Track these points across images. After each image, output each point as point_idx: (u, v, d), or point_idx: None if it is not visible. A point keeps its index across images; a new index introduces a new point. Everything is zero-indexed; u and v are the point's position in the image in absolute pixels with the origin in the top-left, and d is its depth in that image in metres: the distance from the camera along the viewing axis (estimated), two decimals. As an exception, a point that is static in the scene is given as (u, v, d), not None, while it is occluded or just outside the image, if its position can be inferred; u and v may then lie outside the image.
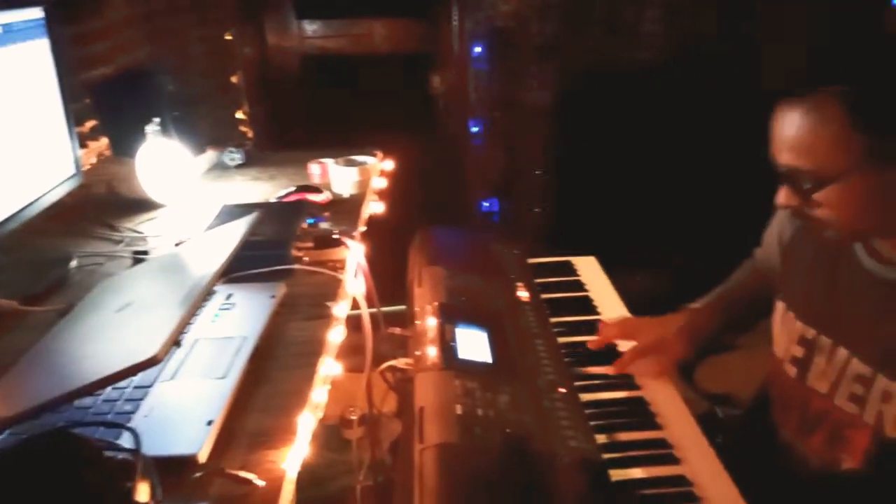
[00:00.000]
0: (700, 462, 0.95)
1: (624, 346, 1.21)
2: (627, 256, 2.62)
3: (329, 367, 0.88)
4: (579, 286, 1.46)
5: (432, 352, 1.11)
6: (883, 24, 0.85)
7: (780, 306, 1.11)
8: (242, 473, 0.71)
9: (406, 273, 1.47)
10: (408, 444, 0.95)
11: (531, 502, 0.84)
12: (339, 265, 1.08)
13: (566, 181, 2.61)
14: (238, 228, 1.08)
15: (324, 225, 1.19)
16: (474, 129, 2.67)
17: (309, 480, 1.31)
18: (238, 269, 1.08)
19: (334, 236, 1.13)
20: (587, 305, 1.38)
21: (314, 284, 1.04)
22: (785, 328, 1.08)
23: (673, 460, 0.96)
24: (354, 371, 1.14)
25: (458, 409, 0.97)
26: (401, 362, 1.13)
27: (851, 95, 0.82)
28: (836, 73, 0.85)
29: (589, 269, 1.53)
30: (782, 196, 0.92)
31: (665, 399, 1.08)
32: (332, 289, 1.03)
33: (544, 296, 1.41)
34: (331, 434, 1.45)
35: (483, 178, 2.74)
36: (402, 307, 1.38)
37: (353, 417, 1.46)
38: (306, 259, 1.09)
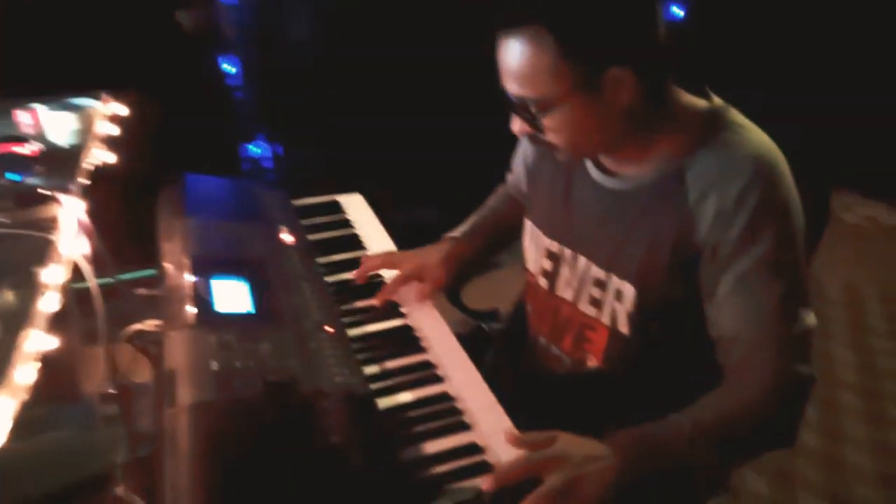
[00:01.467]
0: (461, 377, 0.99)
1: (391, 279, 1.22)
2: (394, 193, 2.67)
3: (39, 342, 0.76)
4: (346, 224, 1.44)
5: (184, 309, 1.03)
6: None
7: (528, 224, 1.18)
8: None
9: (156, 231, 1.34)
10: (159, 409, 0.87)
11: (294, 446, 0.81)
12: (51, 225, 0.93)
13: (331, 120, 2.55)
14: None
15: (33, 180, 1.03)
16: (232, 69, 2.49)
17: (69, 463, 1.18)
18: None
19: (41, 192, 0.98)
20: (355, 243, 1.37)
21: (20, 250, 0.89)
22: (534, 244, 1.16)
23: (437, 379, 0.99)
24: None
25: (214, 366, 0.91)
26: (149, 325, 1.03)
27: (561, 27, 0.85)
28: (545, 5, 0.87)
29: (356, 207, 1.51)
30: (516, 124, 0.96)
31: (429, 323, 1.11)
32: (44, 252, 0.88)
33: (311, 237, 1.37)
34: (88, 412, 1.31)
35: (246, 121, 2.57)
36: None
37: (111, 391, 1.33)
38: (6, 221, 0.93)
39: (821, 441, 1.99)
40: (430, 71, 2.52)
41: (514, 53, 0.89)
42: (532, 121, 0.93)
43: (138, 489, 1.07)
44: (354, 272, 1.22)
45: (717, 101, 0.98)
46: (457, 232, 1.30)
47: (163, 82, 2.16)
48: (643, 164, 0.98)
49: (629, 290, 0.99)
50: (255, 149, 2.64)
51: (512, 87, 0.91)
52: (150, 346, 1.06)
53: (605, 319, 1.04)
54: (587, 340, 1.08)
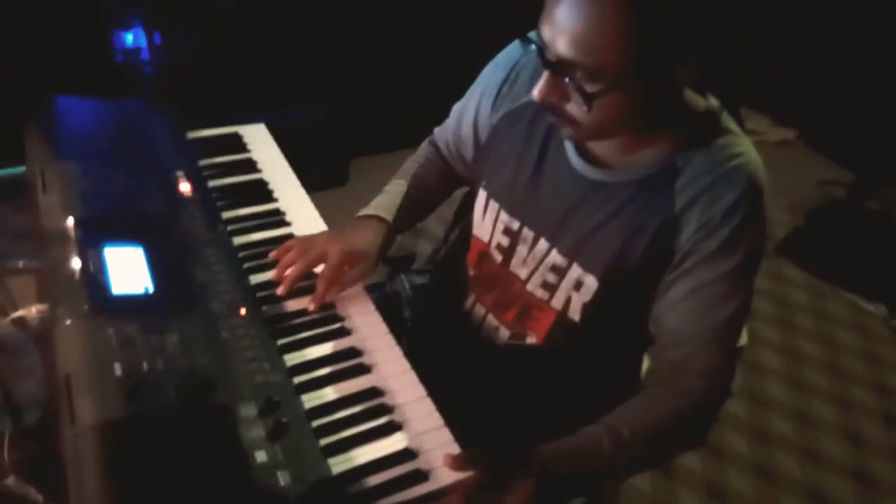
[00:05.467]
0: (388, 363, 0.96)
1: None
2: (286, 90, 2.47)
3: None
4: (252, 166, 1.30)
5: (75, 292, 0.90)
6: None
7: (482, 194, 1.09)
8: None
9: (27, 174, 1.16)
10: (55, 426, 0.78)
11: (214, 464, 0.76)
12: None
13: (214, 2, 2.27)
14: None
15: None
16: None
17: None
18: None
19: None
20: (263, 192, 1.24)
21: None
22: (489, 216, 1.08)
23: (364, 370, 0.95)
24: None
25: (117, 370, 0.82)
26: (33, 311, 0.90)
27: (657, 4, 0.73)
28: None
29: (260, 142, 1.36)
30: (544, 88, 0.80)
31: (350, 297, 1.05)
32: None
33: (212, 183, 1.23)
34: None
35: (119, 4, 2.24)
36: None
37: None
38: None
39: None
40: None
41: (584, 8, 0.73)
42: (590, 93, 0.77)
43: (28, 474, 0.98)
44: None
45: (713, 101, 0.92)
46: (379, 210, 1.12)
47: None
48: (633, 158, 0.91)
49: (591, 282, 0.96)
50: (129, 37, 2.32)
51: (563, 46, 0.75)
52: (37, 333, 0.93)
53: (556, 304, 1.02)
54: (532, 318, 1.07)
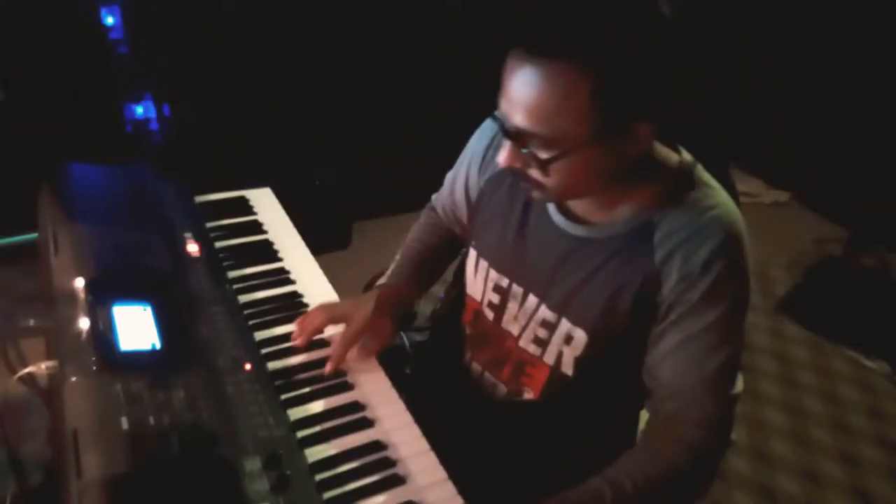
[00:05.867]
0: (391, 418, 0.97)
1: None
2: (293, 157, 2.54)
3: None
4: (257, 227, 1.34)
5: (84, 349, 0.92)
6: (657, 6, 0.77)
7: (472, 253, 1.13)
8: None
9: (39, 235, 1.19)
10: (63, 480, 0.78)
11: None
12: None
13: (221, 77, 2.36)
14: None
15: None
16: (109, 20, 2.23)
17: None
18: None
19: None
20: (268, 251, 1.28)
21: None
22: (480, 275, 1.11)
23: (367, 424, 0.96)
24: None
25: (125, 424, 0.83)
26: (43, 367, 0.92)
27: (606, 66, 0.76)
28: (590, 38, 0.77)
29: (265, 205, 1.41)
30: (507, 156, 0.86)
31: (352, 353, 1.07)
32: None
33: (219, 244, 1.27)
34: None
35: (129, 78, 2.33)
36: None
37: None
38: None
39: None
40: (328, 23, 2.40)
41: (534, 83, 0.77)
42: (534, 161, 0.83)
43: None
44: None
45: (686, 156, 0.96)
46: (389, 278, 1.20)
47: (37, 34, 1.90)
48: (613, 215, 0.95)
49: (581, 336, 0.98)
50: (139, 109, 2.40)
51: (518, 118, 0.80)
52: (46, 389, 0.95)
53: (548, 359, 1.04)
54: (526, 375, 1.09)
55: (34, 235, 1.24)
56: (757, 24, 3.12)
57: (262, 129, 2.50)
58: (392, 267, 1.22)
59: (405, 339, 1.39)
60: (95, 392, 0.86)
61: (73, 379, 0.88)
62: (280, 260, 1.26)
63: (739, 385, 0.94)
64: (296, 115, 2.53)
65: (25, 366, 0.92)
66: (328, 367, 1.02)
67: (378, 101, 2.63)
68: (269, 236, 1.32)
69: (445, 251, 1.27)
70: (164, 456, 0.81)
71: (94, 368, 0.90)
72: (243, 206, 1.40)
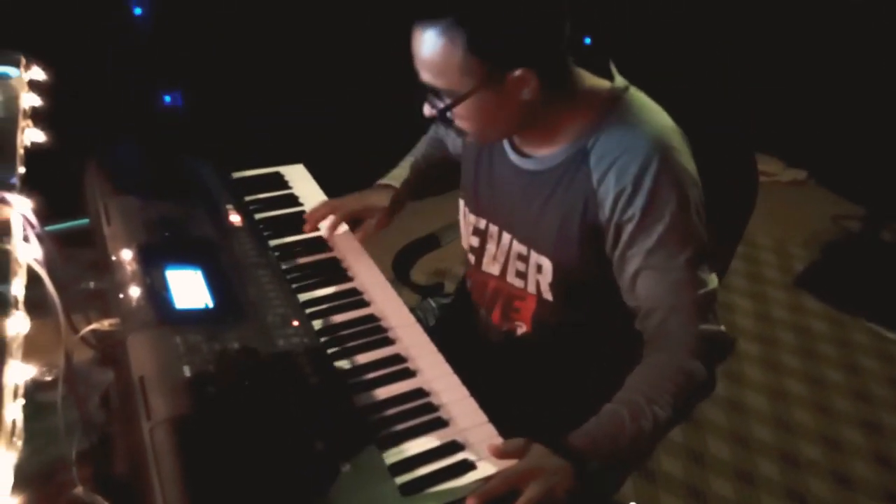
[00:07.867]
0: (432, 370, 1.02)
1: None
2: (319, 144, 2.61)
3: (19, 373, 0.70)
4: (293, 200, 1.40)
5: (142, 306, 0.98)
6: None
7: (461, 203, 1.24)
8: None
9: (84, 210, 1.25)
10: (133, 422, 0.84)
11: (281, 454, 0.81)
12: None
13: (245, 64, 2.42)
14: None
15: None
16: (137, 11, 2.29)
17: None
18: None
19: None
20: (304, 222, 1.33)
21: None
22: (464, 220, 1.23)
23: (409, 374, 1.01)
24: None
25: (187, 371, 0.89)
26: (105, 324, 0.98)
27: (472, 22, 0.89)
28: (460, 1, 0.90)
29: (300, 180, 1.47)
30: (426, 108, 1.00)
31: (393, 312, 1.12)
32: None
33: (258, 216, 1.33)
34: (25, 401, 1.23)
35: (158, 67, 2.39)
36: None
37: (49, 378, 1.25)
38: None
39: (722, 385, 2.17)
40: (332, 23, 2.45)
41: (426, 44, 0.92)
42: (442, 108, 0.97)
43: (94, 485, 1.04)
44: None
45: (620, 80, 1.03)
46: (391, 180, 1.35)
47: (67, 31, 1.97)
48: (551, 146, 1.03)
49: (547, 264, 1.07)
50: (167, 98, 2.47)
51: (424, 75, 0.95)
52: (107, 345, 1.01)
53: (531, 289, 1.12)
54: (515, 310, 1.17)
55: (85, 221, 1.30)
56: (774, 5, 3.13)
57: (262, 128, 2.55)
58: (393, 171, 1.37)
59: (432, 302, 1.46)
60: (157, 344, 0.92)
61: (136, 334, 0.94)
62: (317, 229, 1.31)
63: (714, 281, 0.98)
64: (293, 114, 2.57)
65: (90, 324, 0.97)
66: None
67: (378, 101, 2.67)
68: (306, 207, 1.37)
69: (446, 162, 1.37)
70: (225, 398, 0.87)
71: (154, 323, 0.95)
72: (279, 181, 1.45)
